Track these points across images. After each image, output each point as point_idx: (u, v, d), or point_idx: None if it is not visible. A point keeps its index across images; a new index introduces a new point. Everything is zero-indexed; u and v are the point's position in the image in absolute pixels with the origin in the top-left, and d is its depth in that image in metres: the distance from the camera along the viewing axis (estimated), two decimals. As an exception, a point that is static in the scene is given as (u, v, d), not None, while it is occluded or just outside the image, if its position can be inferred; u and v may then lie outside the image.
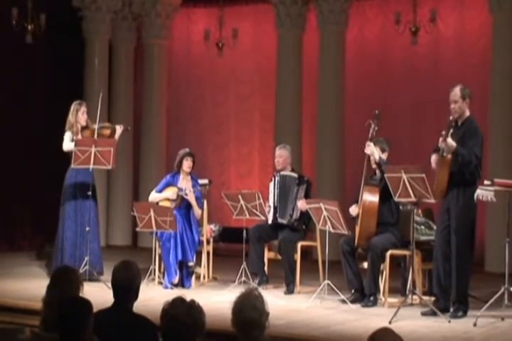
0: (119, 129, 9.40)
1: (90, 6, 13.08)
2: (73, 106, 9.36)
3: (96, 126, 9.33)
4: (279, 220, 9.07)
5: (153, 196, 9.40)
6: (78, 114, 9.29)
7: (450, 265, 7.38)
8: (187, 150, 9.43)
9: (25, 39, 11.99)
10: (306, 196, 9.04)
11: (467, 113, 7.50)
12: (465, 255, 7.35)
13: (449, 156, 7.23)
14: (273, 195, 9.18)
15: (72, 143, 9.19)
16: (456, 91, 7.51)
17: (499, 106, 10.86)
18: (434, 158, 7.46)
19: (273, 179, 9.27)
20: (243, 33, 13.11)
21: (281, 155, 9.26)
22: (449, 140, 7.19)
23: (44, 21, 11.98)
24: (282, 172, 9.23)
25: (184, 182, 9.33)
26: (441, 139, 7.22)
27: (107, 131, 9.45)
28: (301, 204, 8.89)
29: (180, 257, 8.99)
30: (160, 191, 9.37)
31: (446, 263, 7.42)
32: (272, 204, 9.13)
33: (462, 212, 7.35)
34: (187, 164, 9.30)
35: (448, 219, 7.43)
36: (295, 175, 9.21)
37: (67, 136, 9.32)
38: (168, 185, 9.37)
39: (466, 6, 12.07)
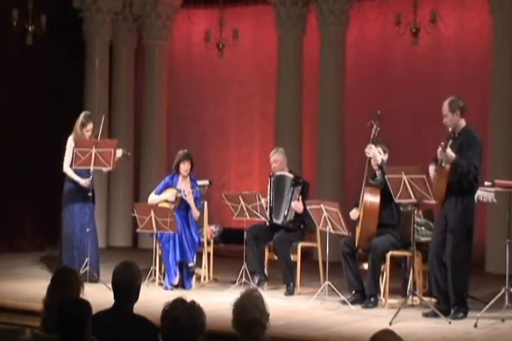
0: (118, 153, 9.33)
1: (91, 7, 13.08)
2: (81, 119, 9.30)
3: None
4: (274, 220, 9.07)
5: (152, 198, 9.39)
6: (83, 131, 9.27)
7: (445, 267, 7.38)
8: (185, 151, 9.41)
9: (25, 40, 11.99)
10: (303, 198, 9.01)
11: (462, 123, 7.48)
12: (460, 257, 7.33)
13: (448, 166, 7.23)
14: (269, 196, 9.19)
15: (72, 173, 9.24)
16: (445, 106, 7.50)
17: (499, 106, 10.86)
18: (432, 168, 7.45)
19: (269, 180, 9.27)
20: (243, 34, 13.12)
21: (276, 159, 9.24)
22: (449, 151, 7.18)
23: (44, 22, 11.98)
24: (278, 173, 9.22)
25: (183, 183, 9.32)
26: (440, 150, 7.21)
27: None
28: (296, 206, 8.89)
29: (179, 258, 8.98)
30: (159, 193, 9.36)
31: (441, 266, 7.42)
32: (268, 205, 9.13)
33: (460, 217, 7.35)
34: (184, 167, 9.28)
35: (445, 224, 7.43)
36: (290, 175, 9.20)
37: (69, 146, 9.30)
38: (167, 186, 9.36)
39: (467, 6, 12.08)
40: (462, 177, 7.26)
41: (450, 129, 7.43)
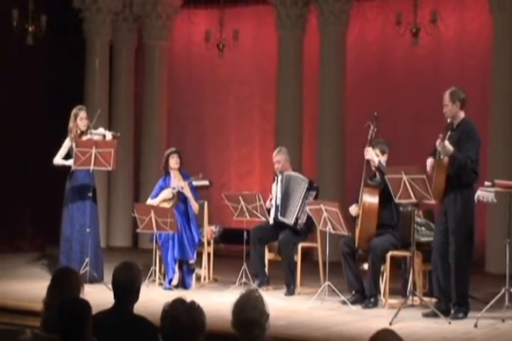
0: (108, 135, 9.38)
1: (91, 7, 13.08)
2: (73, 112, 9.41)
3: (89, 131, 9.35)
4: (280, 218, 9.05)
5: (149, 203, 9.38)
6: (77, 120, 9.33)
7: (448, 267, 7.38)
8: (172, 148, 9.49)
9: (25, 40, 11.99)
10: None
11: (461, 115, 7.48)
12: (464, 257, 7.35)
13: (446, 159, 7.23)
14: (275, 194, 9.17)
15: (61, 160, 9.31)
16: (446, 96, 7.51)
17: (499, 106, 10.87)
18: (430, 161, 7.44)
19: (276, 179, 9.27)
20: (244, 34, 13.12)
21: (279, 160, 9.24)
22: (447, 143, 7.18)
23: (45, 22, 11.99)
24: (286, 172, 9.22)
25: (176, 181, 9.33)
26: (438, 141, 7.21)
27: (99, 138, 9.46)
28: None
29: (177, 256, 8.97)
30: (155, 197, 9.37)
31: (444, 264, 7.42)
32: (274, 203, 9.12)
33: (460, 214, 7.35)
34: (173, 161, 9.31)
35: (446, 221, 7.43)
36: (305, 178, 9.18)
37: (65, 144, 9.35)
38: (161, 189, 9.37)
39: (467, 7, 12.08)
40: (460, 171, 7.26)
41: (449, 120, 7.43)
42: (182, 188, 9.18)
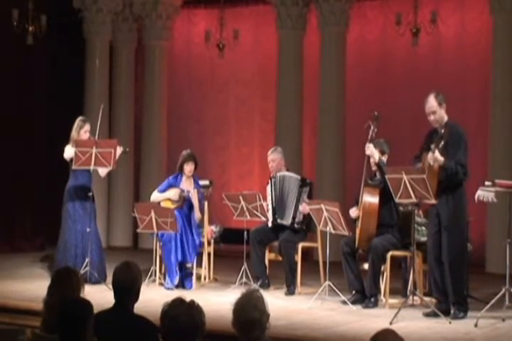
0: (118, 150, 9.32)
1: (91, 7, 13.08)
2: (77, 123, 9.33)
3: None
4: (279, 221, 9.05)
5: (155, 196, 9.40)
6: (80, 132, 9.28)
7: (443, 268, 7.38)
8: (189, 152, 9.42)
9: (25, 40, 11.99)
10: (309, 198, 9.01)
11: (446, 117, 7.47)
12: (458, 256, 7.35)
13: (436, 165, 7.21)
14: (271, 197, 9.17)
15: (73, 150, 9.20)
16: (432, 102, 7.41)
17: (500, 106, 10.87)
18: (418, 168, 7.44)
19: (270, 181, 9.26)
20: (244, 34, 13.12)
21: (274, 159, 9.25)
22: (437, 155, 7.12)
23: (45, 22, 11.98)
24: (280, 173, 9.22)
25: (186, 184, 9.33)
26: (430, 155, 7.15)
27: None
28: (304, 208, 8.86)
29: (180, 258, 8.98)
30: (162, 191, 9.37)
31: (439, 266, 7.42)
32: (270, 206, 9.12)
33: (453, 213, 7.35)
34: (188, 168, 9.31)
35: (438, 223, 7.43)
36: (297, 176, 9.19)
37: (68, 147, 9.29)
38: (170, 186, 9.37)
39: (467, 7, 12.08)
40: (451, 178, 7.26)
41: (435, 126, 7.41)
42: (191, 194, 9.17)
